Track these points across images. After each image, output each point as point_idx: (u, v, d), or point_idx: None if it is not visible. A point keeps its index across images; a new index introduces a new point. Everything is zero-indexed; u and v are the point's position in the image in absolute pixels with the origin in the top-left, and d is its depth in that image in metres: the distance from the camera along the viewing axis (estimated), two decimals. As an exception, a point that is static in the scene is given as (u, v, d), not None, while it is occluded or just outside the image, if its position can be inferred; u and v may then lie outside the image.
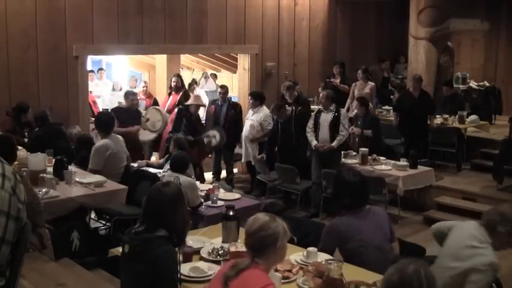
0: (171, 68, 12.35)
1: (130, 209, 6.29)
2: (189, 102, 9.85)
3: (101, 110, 11.19)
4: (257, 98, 9.89)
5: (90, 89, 12.59)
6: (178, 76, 10.89)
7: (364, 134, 9.39)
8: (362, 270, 4.10)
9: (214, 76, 15.10)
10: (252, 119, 9.77)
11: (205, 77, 14.79)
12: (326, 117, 8.67)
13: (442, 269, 3.95)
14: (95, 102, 11.73)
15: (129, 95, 9.85)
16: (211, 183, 8.11)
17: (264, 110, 9.72)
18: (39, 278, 5.05)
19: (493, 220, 3.91)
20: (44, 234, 5.01)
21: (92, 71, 14.01)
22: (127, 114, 9.54)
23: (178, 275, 3.54)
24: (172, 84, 10.66)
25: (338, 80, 11.41)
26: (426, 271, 2.70)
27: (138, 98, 10.86)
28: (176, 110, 10.14)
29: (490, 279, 3.85)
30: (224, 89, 10.58)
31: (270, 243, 3.21)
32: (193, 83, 13.83)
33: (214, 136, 9.84)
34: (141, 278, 3.36)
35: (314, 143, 8.61)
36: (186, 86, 12.08)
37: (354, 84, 11.21)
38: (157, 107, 10.56)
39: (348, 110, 10.42)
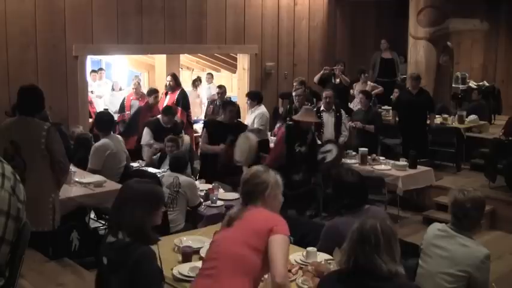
0: (171, 68, 12.32)
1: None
2: (297, 117, 8.10)
3: (97, 110, 11.14)
4: (254, 98, 9.89)
5: (91, 89, 12.64)
6: (173, 75, 10.87)
7: (366, 129, 9.43)
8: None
9: (211, 76, 15.05)
10: (251, 118, 9.77)
11: (208, 80, 14.76)
12: (329, 118, 8.68)
13: (438, 276, 3.95)
14: (91, 103, 11.70)
15: (228, 106, 8.42)
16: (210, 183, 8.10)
17: (260, 109, 9.68)
18: (38, 278, 5.06)
19: (464, 206, 3.93)
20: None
21: (94, 71, 14.02)
22: (222, 128, 8.20)
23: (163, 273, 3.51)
24: (167, 83, 10.66)
25: (338, 80, 11.44)
26: (383, 226, 3.00)
27: (131, 98, 10.79)
28: (284, 127, 8.48)
29: (489, 267, 3.91)
30: (222, 89, 10.59)
31: (260, 190, 3.44)
32: (198, 80, 13.90)
33: (330, 151, 8.31)
34: (125, 285, 3.29)
35: (317, 142, 8.61)
36: (184, 85, 12.10)
37: (354, 84, 11.29)
38: (248, 134, 8.23)
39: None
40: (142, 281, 3.25)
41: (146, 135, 8.99)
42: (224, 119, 8.27)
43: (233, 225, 3.37)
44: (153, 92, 10.31)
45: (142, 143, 8.98)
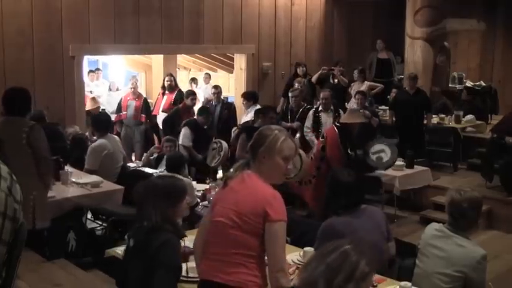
0: (168, 68, 12.34)
1: (127, 209, 6.27)
2: (344, 119, 7.85)
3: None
4: (250, 98, 9.91)
5: (90, 89, 12.61)
6: (172, 75, 10.86)
7: (371, 122, 9.46)
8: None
9: (208, 76, 15.06)
10: (247, 118, 9.75)
11: (205, 80, 14.76)
12: (328, 118, 8.70)
13: (434, 276, 3.96)
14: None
15: (269, 112, 8.12)
16: (207, 183, 8.09)
17: (256, 109, 9.69)
18: (35, 279, 5.05)
19: (461, 206, 3.93)
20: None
21: (92, 71, 14.01)
22: None
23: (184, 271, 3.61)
24: (166, 83, 10.62)
25: (336, 80, 11.47)
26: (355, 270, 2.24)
27: (128, 98, 10.73)
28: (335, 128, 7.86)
29: (485, 267, 3.92)
30: (218, 89, 10.59)
31: (257, 146, 3.26)
32: (192, 81, 13.93)
33: (382, 150, 7.83)
34: (145, 272, 3.40)
35: (316, 142, 8.62)
36: (182, 85, 12.10)
37: (352, 84, 11.31)
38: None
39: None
40: (162, 268, 3.40)
41: (187, 135, 8.89)
42: (262, 124, 7.27)
43: (229, 186, 3.28)
44: (191, 93, 10.22)
45: (181, 143, 8.78)
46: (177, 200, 3.60)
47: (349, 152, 7.56)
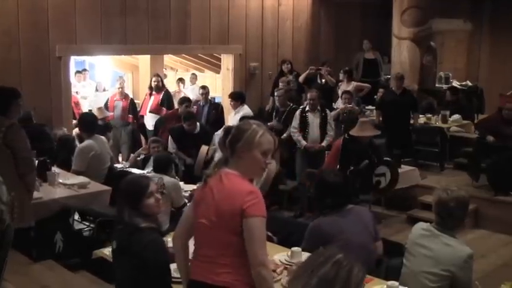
0: (155, 69, 12.31)
1: (114, 210, 6.24)
2: (354, 132, 7.62)
3: (83, 111, 11.03)
4: (237, 99, 9.88)
5: (77, 90, 12.55)
6: (159, 76, 10.83)
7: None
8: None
9: (195, 76, 15.04)
10: (235, 118, 9.74)
11: (191, 80, 14.75)
12: (315, 118, 8.70)
13: (421, 275, 3.97)
14: (77, 104, 11.63)
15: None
16: (195, 184, 8.07)
17: (244, 109, 9.67)
18: (22, 280, 5.03)
19: (448, 206, 3.95)
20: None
21: (79, 72, 13.95)
22: None
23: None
24: (153, 84, 10.56)
25: (324, 80, 11.48)
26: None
27: (115, 99, 10.66)
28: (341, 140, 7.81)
29: (472, 266, 3.95)
30: (206, 89, 10.56)
31: (235, 140, 3.22)
32: (180, 81, 13.93)
33: (383, 174, 7.64)
34: (135, 271, 3.41)
35: (303, 143, 8.61)
36: (169, 85, 12.08)
37: (339, 84, 11.33)
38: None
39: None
40: (150, 268, 3.48)
41: (170, 142, 8.78)
42: None
43: (208, 186, 3.25)
44: (185, 100, 9.86)
45: (168, 150, 8.65)
46: (138, 196, 3.62)
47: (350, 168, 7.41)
